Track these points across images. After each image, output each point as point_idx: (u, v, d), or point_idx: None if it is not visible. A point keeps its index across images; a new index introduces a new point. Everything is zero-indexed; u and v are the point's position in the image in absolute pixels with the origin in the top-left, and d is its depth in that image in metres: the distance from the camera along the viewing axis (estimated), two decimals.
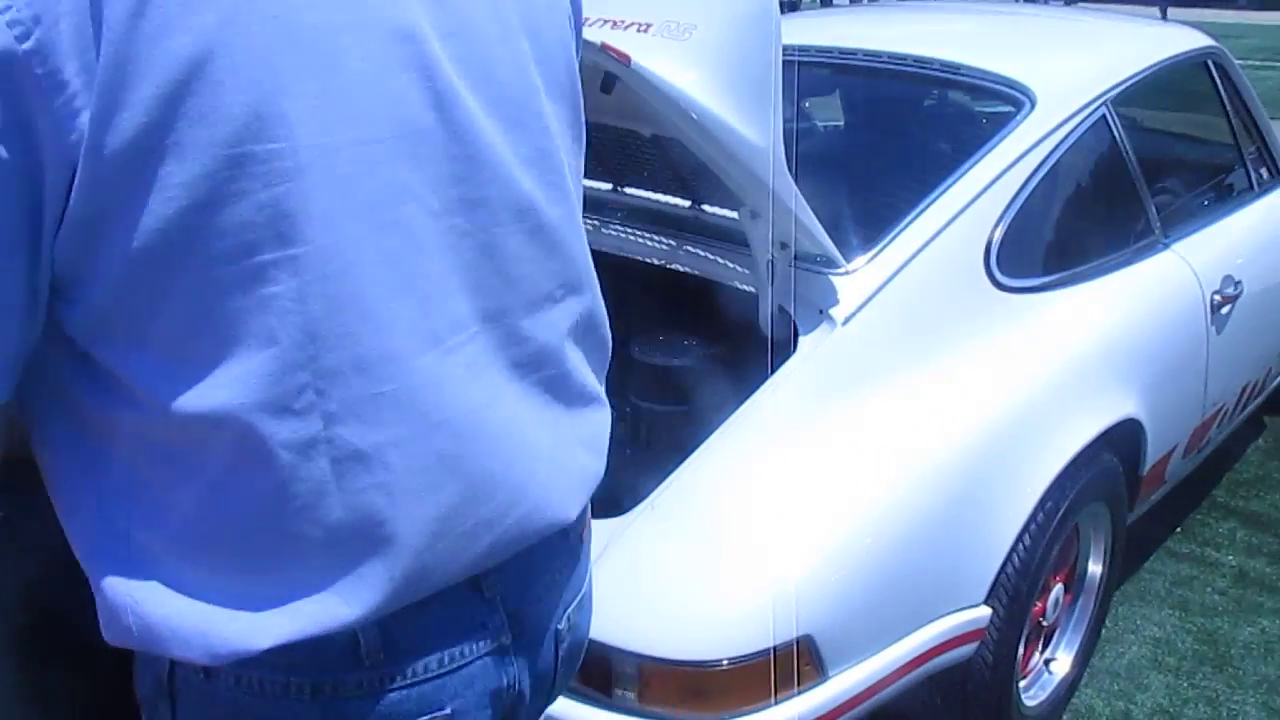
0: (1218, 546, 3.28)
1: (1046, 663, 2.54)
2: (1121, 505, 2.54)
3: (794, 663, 1.79)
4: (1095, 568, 2.60)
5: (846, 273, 2.13)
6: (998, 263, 2.28)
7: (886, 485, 1.98)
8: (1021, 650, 2.28)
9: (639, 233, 2.41)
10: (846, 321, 2.08)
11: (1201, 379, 2.79)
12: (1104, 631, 2.76)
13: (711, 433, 2.00)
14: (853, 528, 1.91)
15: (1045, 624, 2.43)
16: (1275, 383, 3.49)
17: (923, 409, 2.09)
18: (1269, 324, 3.22)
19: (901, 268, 2.16)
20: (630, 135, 2.13)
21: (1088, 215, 2.69)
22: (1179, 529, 3.35)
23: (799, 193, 1.94)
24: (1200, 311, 2.74)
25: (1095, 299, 2.47)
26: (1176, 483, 3.02)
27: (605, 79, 1.71)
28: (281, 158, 0.82)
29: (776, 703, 1.79)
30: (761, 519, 1.90)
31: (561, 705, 1.81)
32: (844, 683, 1.86)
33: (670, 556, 1.88)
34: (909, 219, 2.23)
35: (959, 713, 2.21)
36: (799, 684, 1.81)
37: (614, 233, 2.44)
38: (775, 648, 1.76)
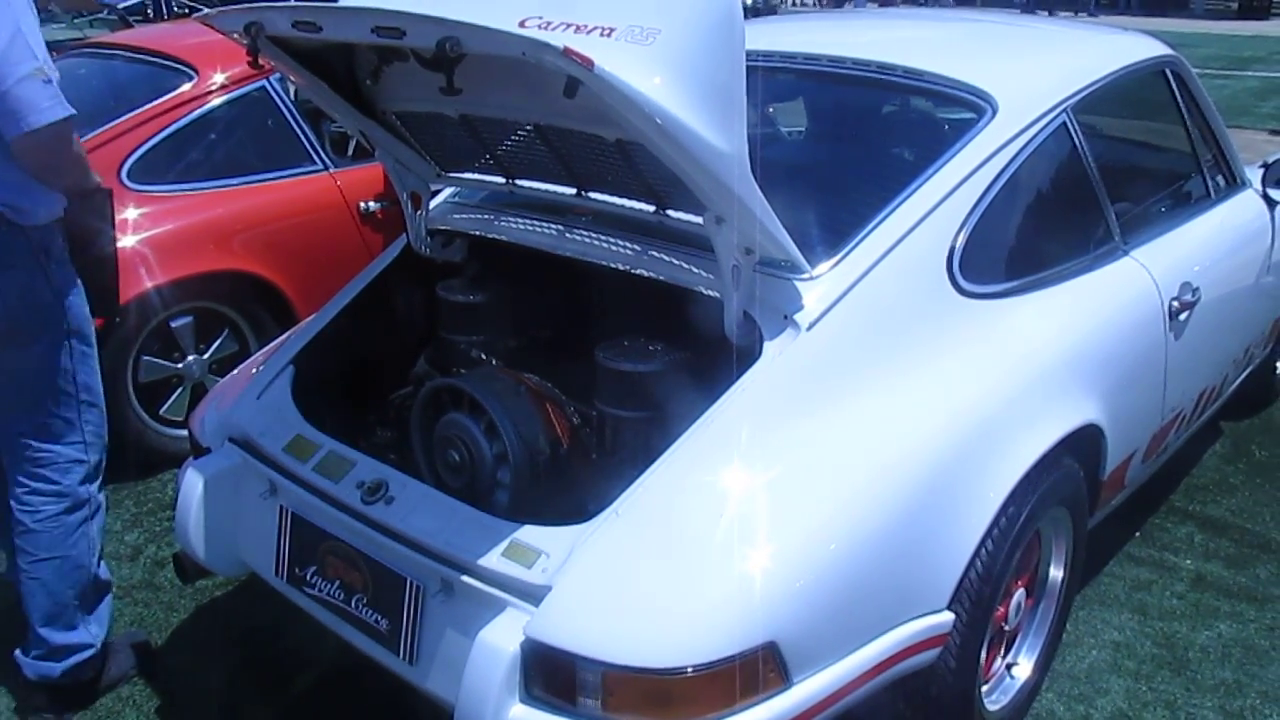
0: (1176, 551, 3.31)
1: (1008, 667, 2.55)
2: (1082, 510, 2.56)
3: (758, 670, 1.78)
4: (1056, 572, 2.61)
5: (811, 278, 2.14)
6: (960, 268, 2.30)
7: (850, 491, 1.98)
8: (984, 655, 2.29)
9: (603, 238, 2.39)
10: (811, 327, 2.08)
11: (1160, 385, 2.82)
12: (1064, 636, 2.78)
13: (676, 439, 2.00)
14: (816, 534, 1.91)
15: (1007, 629, 2.45)
16: (1232, 388, 3.54)
17: (886, 414, 2.09)
18: (1226, 330, 3.26)
19: (865, 273, 2.16)
20: (594, 140, 2.12)
21: (1049, 222, 2.71)
22: (1138, 533, 3.39)
23: (763, 198, 1.94)
24: (1159, 318, 2.77)
25: (1056, 305, 2.49)
26: (1136, 488, 3.05)
27: (569, 83, 1.70)
28: None
29: (741, 710, 1.78)
30: (726, 525, 1.90)
31: (526, 714, 1.81)
32: (808, 689, 1.86)
33: (634, 563, 1.87)
34: (873, 225, 2.24)
35: (922, 718, 2.22)
36: (763, 691, 1.81)
37: (578, 238, 2.43)
38: (739, 654, 1.76)
